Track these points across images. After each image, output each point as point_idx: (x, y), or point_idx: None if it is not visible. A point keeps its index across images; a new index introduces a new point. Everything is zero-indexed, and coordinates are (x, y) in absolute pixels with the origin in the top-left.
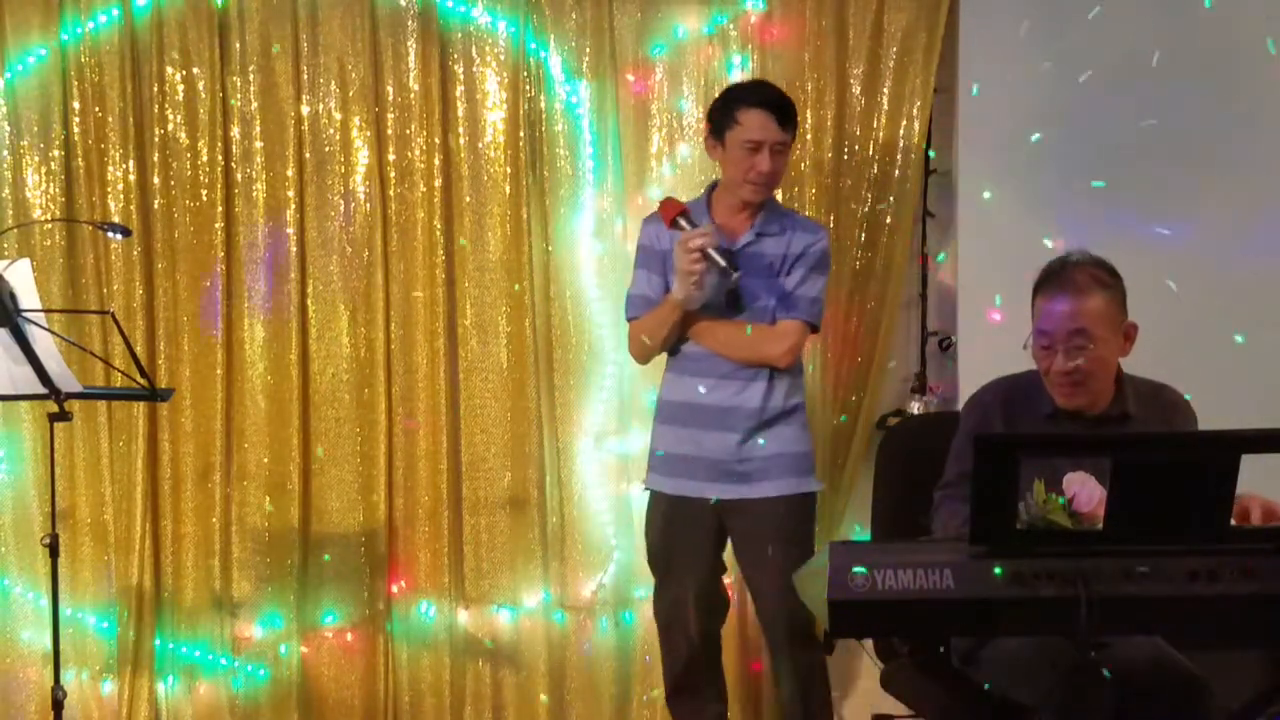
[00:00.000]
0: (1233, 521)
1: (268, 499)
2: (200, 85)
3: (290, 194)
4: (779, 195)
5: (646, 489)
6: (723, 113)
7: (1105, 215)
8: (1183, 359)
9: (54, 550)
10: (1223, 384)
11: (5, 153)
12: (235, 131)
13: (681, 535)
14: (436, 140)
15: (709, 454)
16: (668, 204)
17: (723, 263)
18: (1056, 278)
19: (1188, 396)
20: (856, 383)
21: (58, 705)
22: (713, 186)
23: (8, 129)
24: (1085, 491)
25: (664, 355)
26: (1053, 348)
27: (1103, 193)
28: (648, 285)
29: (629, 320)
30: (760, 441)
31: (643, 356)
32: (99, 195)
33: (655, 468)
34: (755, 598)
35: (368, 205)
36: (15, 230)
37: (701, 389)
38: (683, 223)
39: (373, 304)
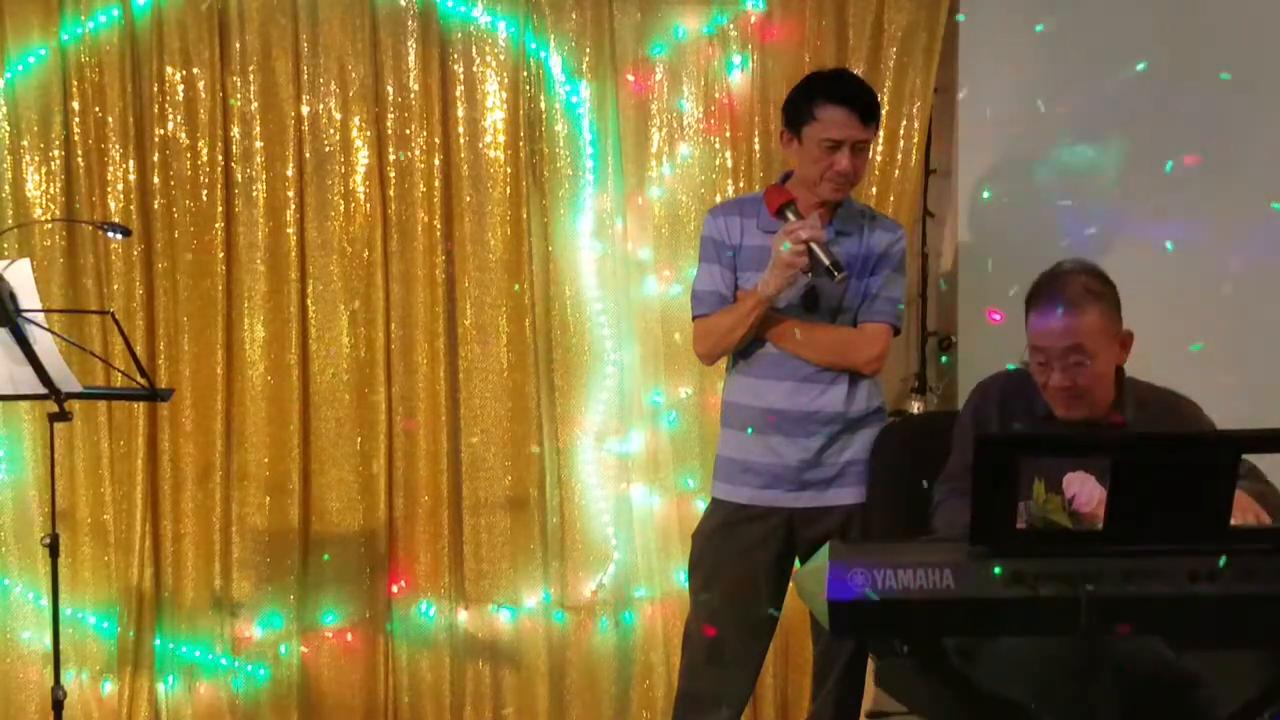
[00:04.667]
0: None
1: (268, 498)
2: (200, 85)
3: (290, 194)
4: None
5: (714, 498)
6: (800, 106)
7: (1106, 215)
8: (1183, 358)
9: (54, 550)
10: (1224, 383)
11: (5, 153)
12: (235, 131)
13: (739, 549)
14: (436, 140)
15: (787, 461)
16: (774, 191)
17: (827, 260)
18: (1048, 291)
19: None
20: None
21: (58, 705)
22: (784, 177)
23: (8, 129)
24: (1085, 491)
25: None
26: (1049, 364)
27: (1104, 191)
28: (721, 280)
29: (696, 318)
30: (845, 445)
31: (713, 355)
32: (99, 195)
33: (725, 476)
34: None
35: (368, 205)
36: (15, 230)
37: (780, 393)
38: (789, 213)
39: (373, 304)
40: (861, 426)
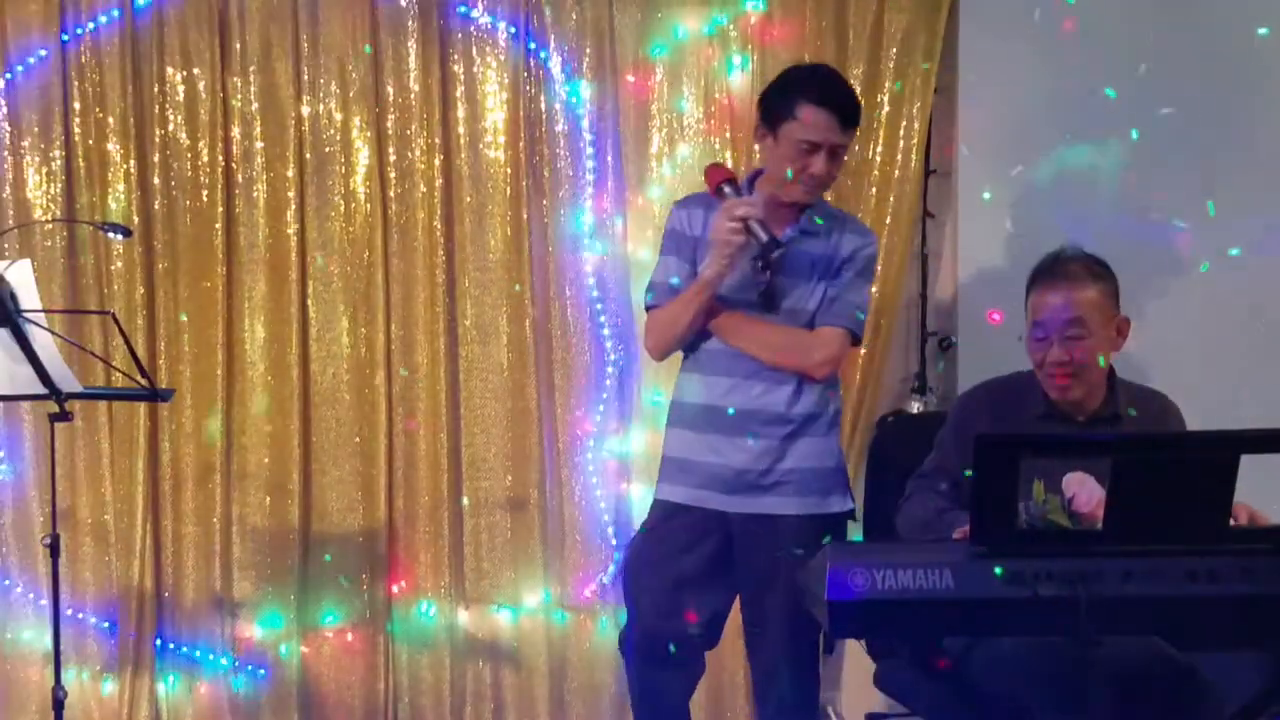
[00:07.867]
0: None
1: (268, 498)
2: (201, 86)
3: (291, 194)
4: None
5: (655, 499)
6: (779, 103)
7: (1107, 214)
8: (1182, 355)
9: (54, 550)
10: (1225, 382)
11: (6, 153)
12: (236, 132)
13: (671, 549)
14: (437, 140)
15: (728, 461)
16: (715, 169)
17: (764, 236)
18: (1049, 271)
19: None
20: (857, 383)
21: (58, 705)
22: (754, 175)
23: (8, 129)
24: (1085, 492)
25: (677, 355)
26: (1048, 339)
27: (1104, 192)
28: (676, 271)
29: (649, 308)
30: (785, 450)
31: (661, 348)
32: (99, 195)
33: (665, 476)
34: (747, 625)
35: (368, 205)
36: (16, 230)
37: (722, 390)
38: (727, 189)
39: (373, 304)
40: (805, 433)
